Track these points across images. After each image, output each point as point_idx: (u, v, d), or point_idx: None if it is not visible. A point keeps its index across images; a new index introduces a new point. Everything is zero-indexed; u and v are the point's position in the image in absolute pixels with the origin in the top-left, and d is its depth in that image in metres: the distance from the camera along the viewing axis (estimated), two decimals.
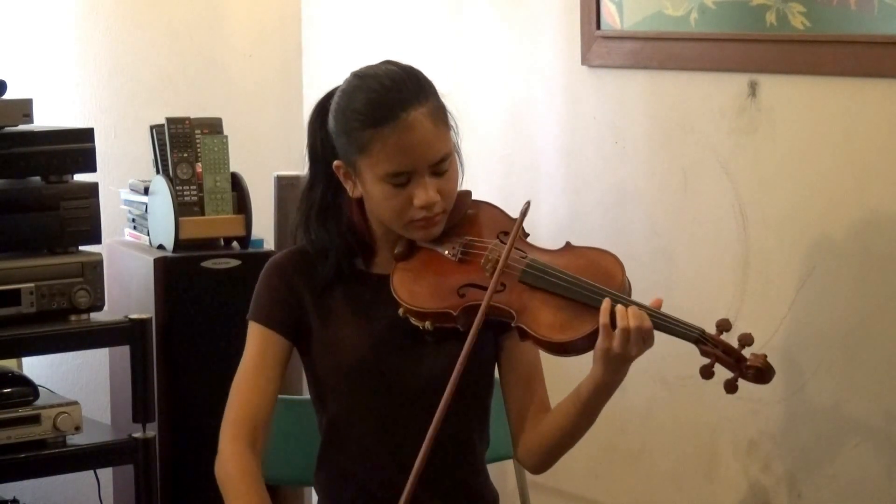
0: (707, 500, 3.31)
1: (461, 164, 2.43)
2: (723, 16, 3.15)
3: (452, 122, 2.40)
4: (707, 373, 2.27)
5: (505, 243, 2.36)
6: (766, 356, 2.26)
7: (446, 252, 2.40)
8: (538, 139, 3.65)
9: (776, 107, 3.10)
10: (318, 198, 2.45)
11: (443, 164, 2.35)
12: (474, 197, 2.49)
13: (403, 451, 2.36)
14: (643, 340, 2.25)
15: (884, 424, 2.96)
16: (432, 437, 2.23)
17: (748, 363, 2.25)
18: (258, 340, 2.45)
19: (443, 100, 2.38)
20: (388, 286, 2.39)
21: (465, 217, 2.45)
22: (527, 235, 2.44)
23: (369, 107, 2.32)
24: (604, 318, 2.24)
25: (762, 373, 2.25)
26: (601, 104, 3.48)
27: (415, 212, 2.35)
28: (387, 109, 2.30)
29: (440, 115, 2.36)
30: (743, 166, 3.18)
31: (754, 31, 3.09)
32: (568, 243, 2.42)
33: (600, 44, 3.42)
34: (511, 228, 2.38)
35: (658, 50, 3.31)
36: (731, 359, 2.26)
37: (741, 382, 2.27)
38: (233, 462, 2.40)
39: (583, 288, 2.29)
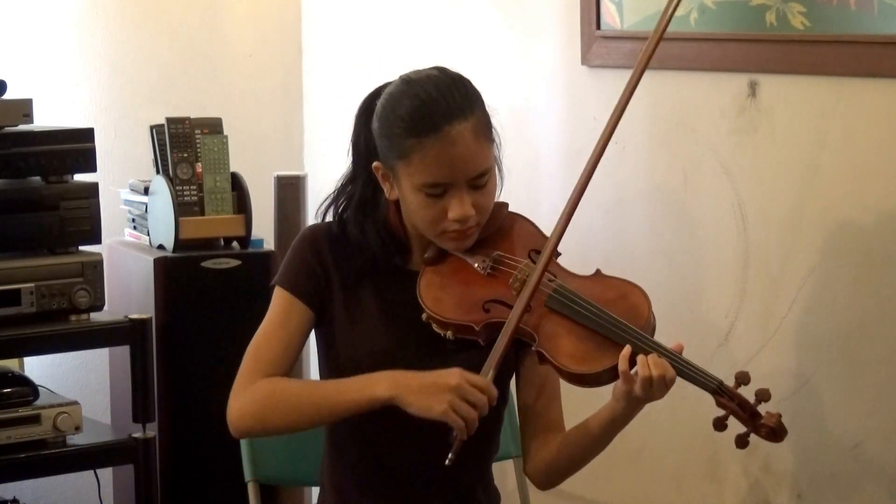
0: (707, 499, 3.31)
1: (501, 178, 2.42)
2: (723, 16, 3.15)
3: (496, 137, 2.38)
4: (720, 425, 2.26)
5: (535, 263, 2.34)
6: (780, 415, 2.25)
7: (476, 264, 2.39)
8: (538, 139, 3.64)
9: (776, 107, 3.10)
10: (358, 192, 2.43)
11: (481, 178, 2.33)
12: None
13: (410, 448, 2.36)
14: (665, 386, 2.24)
15: (884, 424, 2.96)
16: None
17: (762, 421, 2.25)
18: (282, 306, 2.42)
19: (489, 113, 2.37)
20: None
21: (499, 230, 2.43)
22: (558, 255, 2.41)
23: (413, 115, 2.30)
24: (622, 364, 2.23)
25: (775, 432, 2.25)
26: (601, 104, 3.47)
27: (448, 223, 2.33)
28: (430, 120, 2.28)
29: (484, 129, 2.34)
30: (743, 166, 3.17)
31: (754, 31, 3.09)
32: (598, 271, 2.41)
33: (600, 44, 3.42)
34: (544, 246, 2.36)
35: (658, 50, 3.30)
36: (745, 414, 2.25)
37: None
38: (261, 383, 2.36)
39: (608, 322, 2.28)
